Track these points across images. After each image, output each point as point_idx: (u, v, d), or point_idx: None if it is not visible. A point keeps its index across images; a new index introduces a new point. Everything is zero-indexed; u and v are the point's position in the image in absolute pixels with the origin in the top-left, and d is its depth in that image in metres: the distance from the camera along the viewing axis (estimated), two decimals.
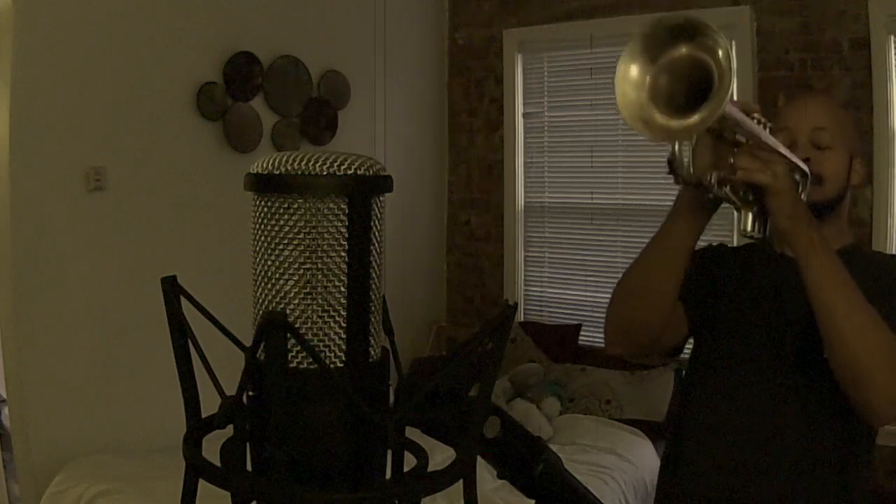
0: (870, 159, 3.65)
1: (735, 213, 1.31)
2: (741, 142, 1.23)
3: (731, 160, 1.22)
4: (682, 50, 1.08)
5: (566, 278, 4.74)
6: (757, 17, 3.98)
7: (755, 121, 1.23)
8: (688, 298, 1.53)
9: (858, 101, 3.71)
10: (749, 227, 1.29)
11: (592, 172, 4.57)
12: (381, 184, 0.85)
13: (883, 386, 1.29)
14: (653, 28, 1.10)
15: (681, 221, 1.38)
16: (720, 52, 1.04)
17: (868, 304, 1.31)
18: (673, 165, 1.25)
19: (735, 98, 1.12)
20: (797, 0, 3.86)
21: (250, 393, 0.84)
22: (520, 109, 4.81)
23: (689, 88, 1.08)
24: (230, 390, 0.82)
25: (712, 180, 1.22)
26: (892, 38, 3.66)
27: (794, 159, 1.37)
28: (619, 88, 1.11)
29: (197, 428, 0.86)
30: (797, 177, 1.38)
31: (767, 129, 1.26)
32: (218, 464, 0.81)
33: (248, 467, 0.84)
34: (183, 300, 0.87)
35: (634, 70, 1.10)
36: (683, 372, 1.69)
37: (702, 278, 1.56)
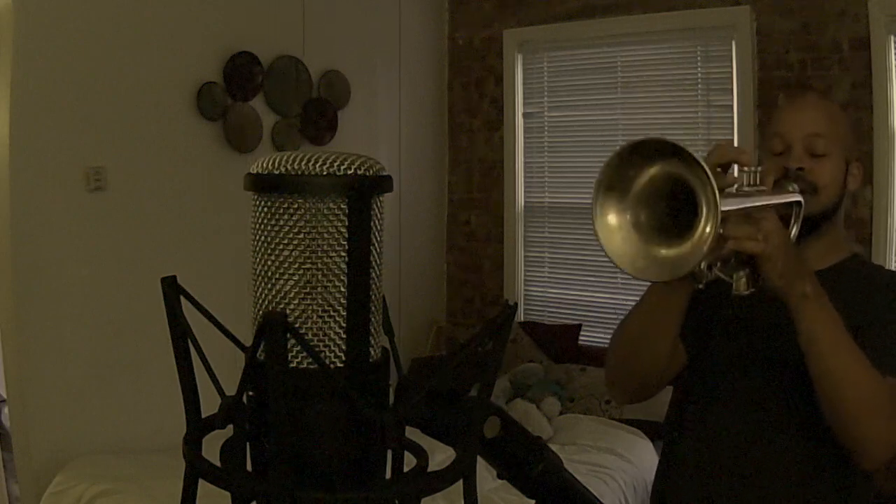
0: (869, 159, 3.66)
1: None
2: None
3: (721, 230, 1.16)
4: (651, 171, 1.06)
5: (566, 278, 4.74)
6: (757, 17, 3.98)
7: (741, 172, 1.20)
8: (686, 333, 1.49)
9: (858, 101, 3.71)
10: (742, 289, 1.26)
11: (592, 172, 4.55)
12: (381, 184, 0.85)
13: (872, 433, 1.30)
14: (609, 167, 1.08)
15: (671, 286, 1.34)
16: (690, 165, 1.01)
17: (859, 352, 1.29)
18: None
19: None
20: (797, 0, 3.86)
21: (250, 393, 0.84)
22: (520, 109, 4.81)
23: (671, 206, 1.05)
24: (230, 390, 0.82)
25: (702, 266, 1.18)
26: (892, 38, 3.66)
27: (785, 200, 1.34)
28: (604, 239, 1.10)
29: (197, 428, 0.86)
30: (791, 202, 1.35)
31: (756, 176, 1.22)
32: (218, 464, 0.81)
33: (248, 467, 0.84)
34: (183, 300, 0.87)
35: (612, 216, 1.09)
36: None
37: (698, 306, 1.48)
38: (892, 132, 3.69)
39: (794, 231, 1.36)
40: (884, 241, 3.71)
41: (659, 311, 1.39)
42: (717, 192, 1.01)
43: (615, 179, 1.09)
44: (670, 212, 1.07)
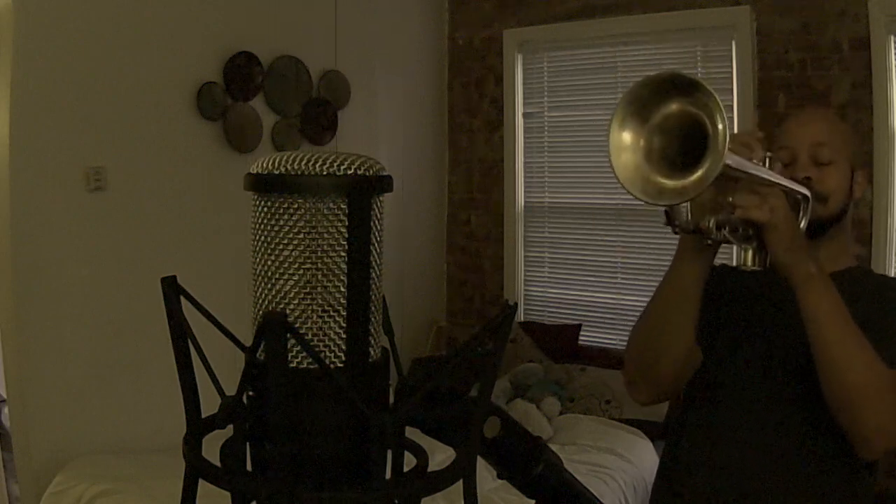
0: (870, 159, 3.66)
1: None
2: (739, 177, 1.22)
3: (730, 198, 1.22)
4: (672, 106, 1.08)
5: (566, 278, 4.74)
6: (757, 17, 3.98)
7: (755, 154, 1.23)
8: (700, 332, 1.50)
9: (858, 101, 3.71)
10: (749, 262, 1.30)
11: (592, 172, 4.57)
12: (381, 184, 0.85)
13: (873, 421, 1.30)
14: (639, 88, 1.09)
15: (687, 262, 1.38)
16: (711, 105, 1.03)
17: (863, 338, 1.31)
18: (670, 216, 1.24)
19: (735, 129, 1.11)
20: (797, 0, 3.86)
21: (250, 393, 0.84)
22: (520, 109, 4.81)
23: (685, 145, 1.07)
24: (230, 390, 0.82)
25: (711, 225, 1.22)
26: (892, 38, 3.66)
27: (794, 186, 1.37)
28: (615, 156, 1.13)
29: (197, 428, 0.86)
30: (799, 197, 1.38)
31: (767, 161, 1.26)
32: (218, 464, 0.81)
33: (248, 467, 0.84)
34: (183, 300, 0.87)
35: (627, 136, 1.11)
36: None
37: (708, 304, 1.51)
38: (892, 132, 3.69)
39: (801, 224, 1.38)
40: (884, 241, 3.71)
41: (677, 289, 1.41)
42: (727, 131, 1.02)
43: (641, 103, 1.10)
44: (682, 149, 1.09)
